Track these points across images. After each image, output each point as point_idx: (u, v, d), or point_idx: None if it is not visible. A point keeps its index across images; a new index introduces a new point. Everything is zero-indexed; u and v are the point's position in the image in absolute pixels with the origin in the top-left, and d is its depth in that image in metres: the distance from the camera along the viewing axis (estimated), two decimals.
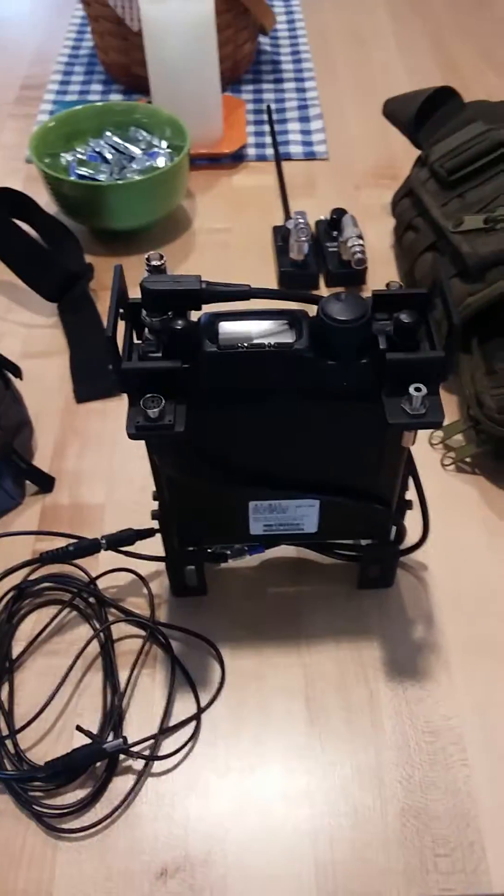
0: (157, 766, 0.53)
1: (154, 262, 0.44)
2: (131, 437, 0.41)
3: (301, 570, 0.63)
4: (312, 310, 0.45)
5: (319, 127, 1.11)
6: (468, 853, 0.50)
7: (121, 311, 0.44)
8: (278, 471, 0.50)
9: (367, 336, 0.42)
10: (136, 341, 0.45)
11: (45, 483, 0.67)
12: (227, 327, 0.43)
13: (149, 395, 0.41)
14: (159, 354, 0.42)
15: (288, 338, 0.43)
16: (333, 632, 0.60)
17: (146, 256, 0.44)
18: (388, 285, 0.46)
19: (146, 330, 0.44)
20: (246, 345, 0.42)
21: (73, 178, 0.91)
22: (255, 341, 0.42)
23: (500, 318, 0.70)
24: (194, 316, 0.45)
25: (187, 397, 0.43)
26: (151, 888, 0.48)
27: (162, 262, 0.44)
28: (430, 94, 0.83)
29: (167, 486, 0.51)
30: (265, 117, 1.13)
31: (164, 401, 0.41)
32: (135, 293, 0.44)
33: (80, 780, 0.52)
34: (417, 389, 0.41)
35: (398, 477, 0.51)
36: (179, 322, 0.41)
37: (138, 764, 0.53)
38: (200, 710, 0.55)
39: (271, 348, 0.42)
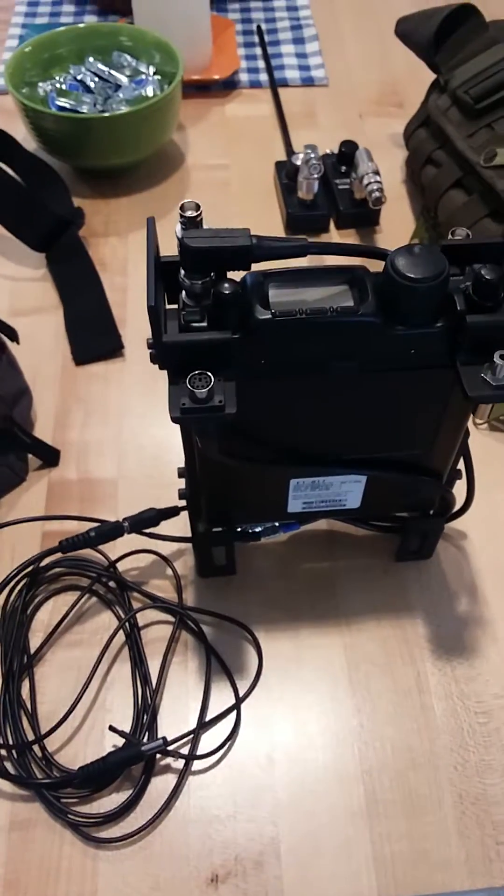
0: (198, 763, 0.49)
1: (189, 213, 0.37)
2: (176, 421, 0.36)
3: (334, 544, 0.59)
4: (372, 265, 0.39)
5: (316, 49, 1.02)
6: None
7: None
8: (327, 447, 0.45)
9: (444, 296, 0.37)
10: (167, 306, 0.39)
11: (51, 457, 0.62)
12: (278, 290, 0.38)
13: (196, 373, 0.36)
14: (204, 324, 0.36)
15: (348, 300, 0.37)
16: (373, 608, 0.56)
17: (180, 205, 0.37)
18: (453, 233, 0.40)
19: (183, 293, 0.37)
20: (305, 311, 0.36)
21: (53, 109, 0.82)
22: (314, 306, 0.36)
23: None
24: (236, 276, 0.39)
25: (234, 372, 0.37)
26: None
27: (198, 212, 0.38)
28: (449, 12, 0.75)
29: (200, 465, 0.46)
30: (256, 39, 1.03)
31: (213, 379, 0.36)
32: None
33: (115, 784, 0.48)
34: (503, 357, 0.36)
35: (455, 448, 0.46)
36: (227, 286, 0.35)
37: (178, 762, 0.49)
38: (239, 700, 0.52)
39: (334, 314, 0.36)
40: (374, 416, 0.43)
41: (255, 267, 0.38)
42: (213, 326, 0.36)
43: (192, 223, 0.38)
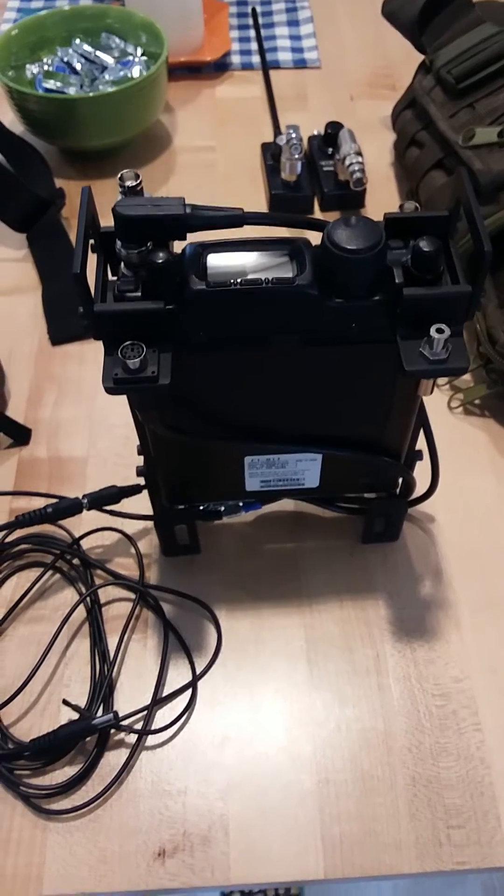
0: (152, 739, 0.49)
1: (129, 182, 0.37)
2: (109, 391, 0.36)
3: (300, 525, 0.59)
4: (314, 238, 0.38)
5: (310, 31, 1.01)
6: (482, 823, 0.47)
7: (92, 242, 0.37)
8: (277, 423, 0.45)
9: (381, 268, 0.36)
10: (110, 278, 0.39)
11: (21, 435, 0.62)
12: (217, 260, 0.37)
13: (128, 343, 0.35)
14: (138, 294, 0.36)
15: (287, 272, 0.37)
16: (336, 590, 0.56)
17: (119, 176, 0.37)
18: (401, 207, 0.40)
19: (122, 264, 0.37)
20: (240, 281, 0.36)
21: (39, 91, 0.82)
22: (251, 277, 0.36)
23: None
24: (177, 247, 0.38)
25: (172, 344, 0.37)
26: (149, 870, 0.45)
27: (138, 181, 0.37)
28: None
29: (152, 441, 0.46)
30: (250, 21, 1.03)
31: (145, 349, 0.36)
32: (108, 220, 0.38)
33: (68, 757, 0.48)
34: (440, 331, 0.35)
35: (409, 428, 0.46)
36: (161, 255, 0.35)
37: (131, 738, 0.49)
38: (196, 678, 0.52)
39: (269, 285, 0.36)
40: (321, 392, 0.42)
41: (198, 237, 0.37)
42: (147, 296, 0.36)
43: (132, 192, 0.38)
